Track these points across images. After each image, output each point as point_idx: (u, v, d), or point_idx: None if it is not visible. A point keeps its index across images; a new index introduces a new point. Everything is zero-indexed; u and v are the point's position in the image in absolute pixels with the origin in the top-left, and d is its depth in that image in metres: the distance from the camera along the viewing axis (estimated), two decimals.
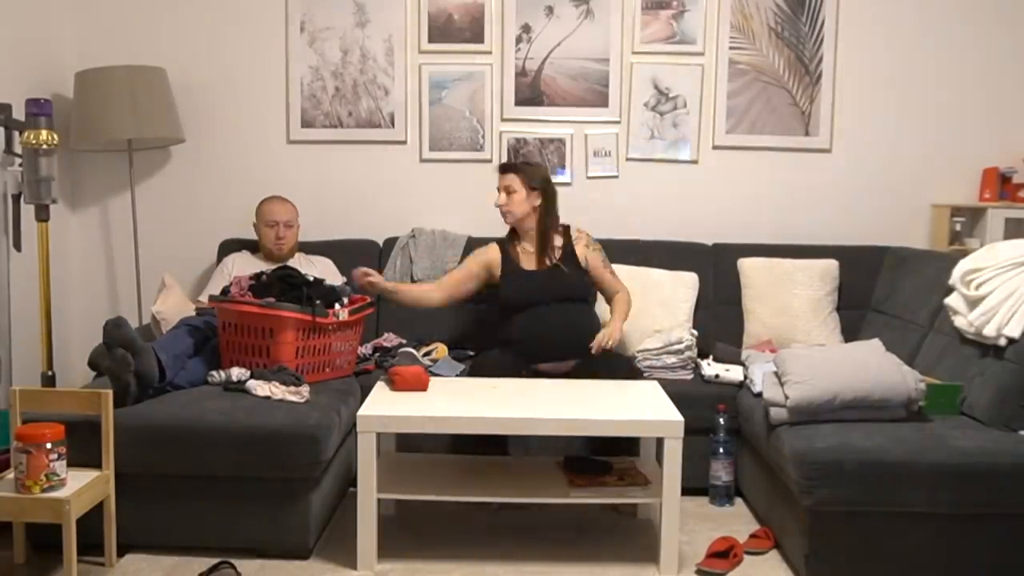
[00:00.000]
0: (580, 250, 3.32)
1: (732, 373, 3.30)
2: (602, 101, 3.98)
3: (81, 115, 3.67)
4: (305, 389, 2.81)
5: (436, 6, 3.95)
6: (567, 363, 3.16)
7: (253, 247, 3.70)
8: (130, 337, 2.68)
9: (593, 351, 3.08)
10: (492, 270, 3.34)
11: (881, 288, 3.65)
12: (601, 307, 3.41)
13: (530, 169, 3.31)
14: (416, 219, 3.96)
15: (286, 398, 2.76)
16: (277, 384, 2.79)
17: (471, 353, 3.49)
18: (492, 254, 3.36)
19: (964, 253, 3.17)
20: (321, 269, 3.60)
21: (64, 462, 2.40)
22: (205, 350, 3.06)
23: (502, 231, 3.68)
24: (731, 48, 3.96)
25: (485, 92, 3.98)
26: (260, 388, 2.79)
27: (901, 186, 4.01)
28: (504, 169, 3.32)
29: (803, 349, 3.06)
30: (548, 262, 3.28)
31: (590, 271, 3.31)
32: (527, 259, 3.32)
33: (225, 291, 3.05)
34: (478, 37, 3.96)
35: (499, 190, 3.30)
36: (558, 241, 3.33)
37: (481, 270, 3.34)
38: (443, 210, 3.99)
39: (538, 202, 3.28)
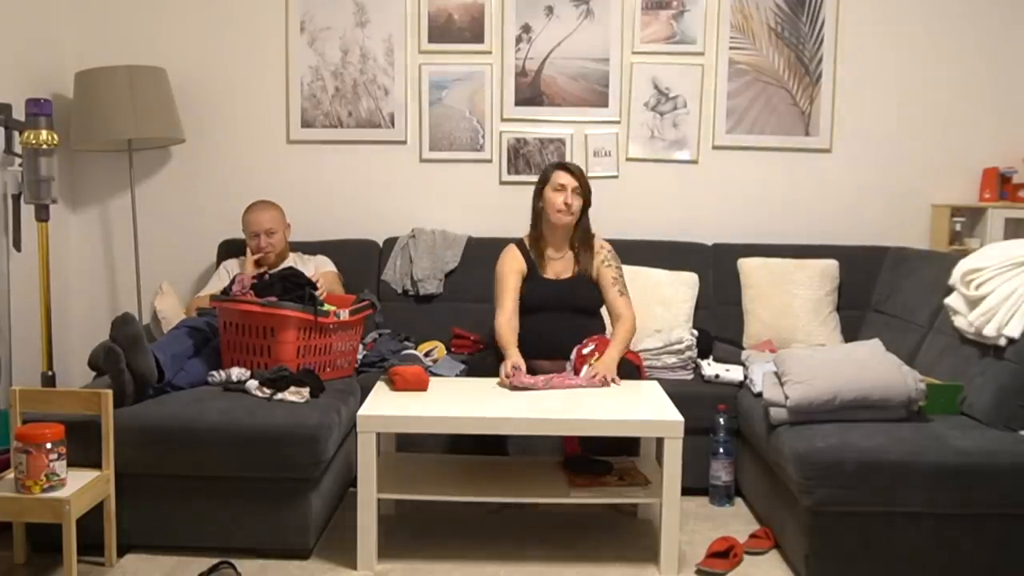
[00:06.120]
0: (596, 263, 3.27)
1: (732, 373, 3.30)
2: (602, 101, 3.98)
3: (81, 115, 3.67)
4: (306, 391, 2.81)
5: (436, 6, 3.95)
6: (560, 362, 3.16)
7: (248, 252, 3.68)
8: (137, 334, 2.67)
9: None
10: (524, 275, 3.28)
11: (881, 288, 3.65)
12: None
13: (585, 176, 3.26)
14: (416, 219, 3.96)
15: (286, 398, 2.76)
16: (294, 389, 2.79)
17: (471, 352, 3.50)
18: (520, 264, 3.27)
19: (964, 253, 3.17)
20: (314, 264, 3.58)
21: (64, 462, 2.40)
22: (205, 351, 3.06)
23: (502, 231, 3.69)
24: (731, 48, 3.96)
25: (485, 92, 3.97)
26: (262, 392, 2.79)
27: (901, 186, 4.02)
28: (571, 169, 3.23)
29: (803, 349, 3.06)
30: (574, 272, 3.26)
31: (599, 284, 3.27)
32: (550, 266, 3.28)
33: (226, 290, 3.05)
34: (478, 37, 3.95)
35: (563, 188, 3.19)
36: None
37: (520, 282, 3.25)
38: (443, 210, 3.99)
39: (584, 212, 3.27)
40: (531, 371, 3.15)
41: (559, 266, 3.29)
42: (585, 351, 3.06)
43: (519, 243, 3.34)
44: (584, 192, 3.23)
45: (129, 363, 2.65)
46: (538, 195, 3.29)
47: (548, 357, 3.16)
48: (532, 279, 3.26)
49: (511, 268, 3.26)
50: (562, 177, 3.20)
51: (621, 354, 3.07)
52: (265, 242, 3.51)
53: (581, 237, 3.29)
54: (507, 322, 3.15)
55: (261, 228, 3.51)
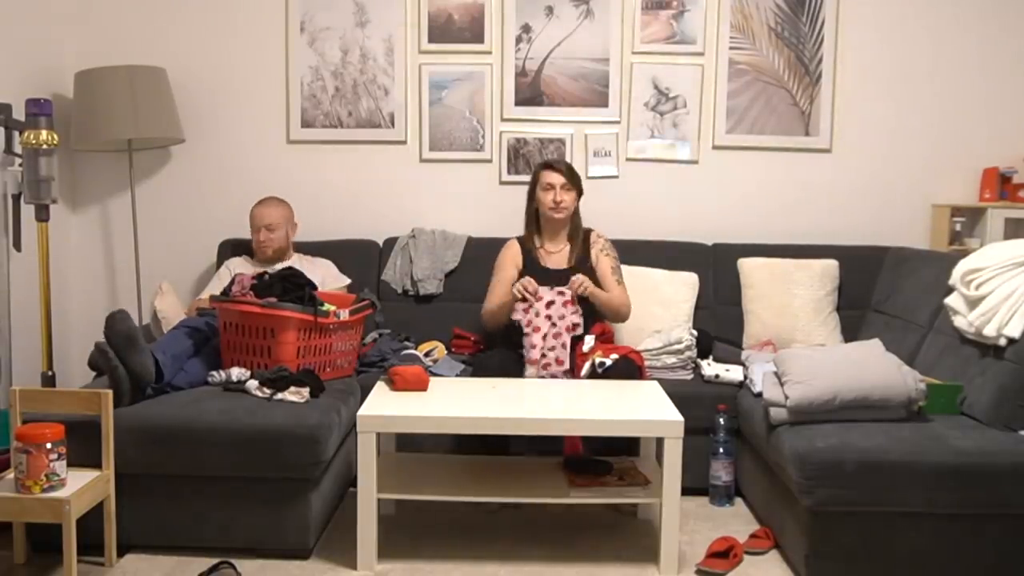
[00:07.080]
0: (594, 252, 3.38)
1: (732, 373, 3.30)
2: (602, 101, 3.97)
3: (81, 115, 3.67)
4: (306, 391, 2.80)
5: (436, 6, 3.94)
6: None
7: (252, 251, 3.69)
8: (130, 331, 2.67)
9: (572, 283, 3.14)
10: (519, 269, 3.38)
11: (881, 288, 3.65)
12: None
13: (573, 169, 3.38)
14: (416, 219, 3.96)
15: (286, 398, 2.76)
16: (294, 389, 2.79)
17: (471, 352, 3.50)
18: (517, 256, 3.40)
19: (964, 253, 3.17)
20: (322, 271, 3.59)
21: (64, 462, 2.40)
22: (205, 351, 3.06)
23: (502, 231, 3.69)
24: (731, 48, 3.96)
25: (485, 92, 3.97)
26: (261, 392, 2.79)
27: (901, 186, 4.02)
28: (557, 167, 3.34)
29: (803, 349, 3.06)
30: (572, 261, 3.35)
31: (596, 273, 3.34)
32: (550, 258, 3.38)
33: (226, 291, 3.05)
34: (478, 37, 3.95)
35: (552, 186, 3.31)
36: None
37: (516, 276, 3.34)
38: (443, 210, 3.99)
39: (576, 203, 3.38)
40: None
41: (558, 259, 3.36)
42: (585, 348, 3.09)
43: (520, 239, 3.44)
44: (574, 185, 3.34)
45: (124, 360, 2.65)
46: (531, 197, 3.41)
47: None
48: (532, 270, 3.31)
49: (511, 261, 3.38)
50: (549, 176, 3.32)
51: (601, 298, 3.22)
52: (265, 236, 3.53)
53: (574, 228, 3.39)
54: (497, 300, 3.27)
55: (262, 222, 3.54)
